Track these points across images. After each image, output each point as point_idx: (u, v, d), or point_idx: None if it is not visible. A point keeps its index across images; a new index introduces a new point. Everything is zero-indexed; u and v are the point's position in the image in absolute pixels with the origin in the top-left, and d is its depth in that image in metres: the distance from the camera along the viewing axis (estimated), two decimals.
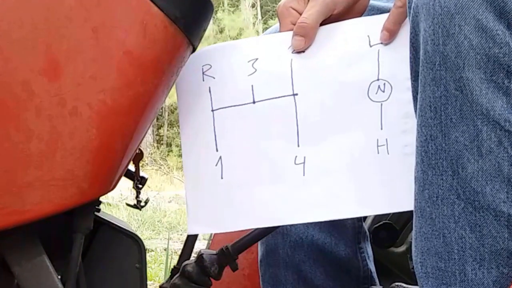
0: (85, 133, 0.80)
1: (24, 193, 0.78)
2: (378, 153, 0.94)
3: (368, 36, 0.95)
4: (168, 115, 17.04)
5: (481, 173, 0.76)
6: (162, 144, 16.24)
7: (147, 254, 2.35)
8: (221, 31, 17.17)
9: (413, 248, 0.83)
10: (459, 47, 0.76)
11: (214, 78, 1.00)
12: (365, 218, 1.39)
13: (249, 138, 0.98)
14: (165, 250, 4.16)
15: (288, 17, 0.99)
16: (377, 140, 0.94)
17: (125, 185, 1.19)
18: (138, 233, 1.04)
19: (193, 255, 1.18)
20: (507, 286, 0.77)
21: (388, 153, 0.94)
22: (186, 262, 1.13)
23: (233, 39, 12.04)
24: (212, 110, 1.00)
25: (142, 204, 1.14)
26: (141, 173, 1.11)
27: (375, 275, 1.28)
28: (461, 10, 0.76)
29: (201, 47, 1.00)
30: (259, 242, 1.22)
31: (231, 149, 0.99)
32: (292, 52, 0.97)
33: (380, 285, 1.28)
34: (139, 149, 0.99)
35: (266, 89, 0.98)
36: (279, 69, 0.98)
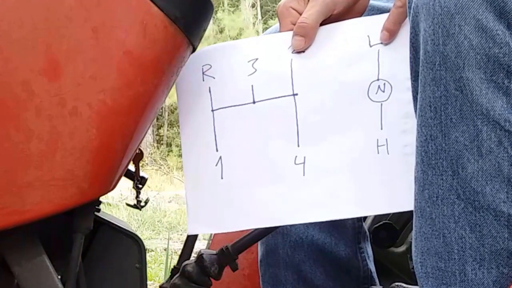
0: (85, 133, 0.80)
1: (24, 193, 0.78)
2: (378, 153, 0.94)
3: (368, 36, 0.95)
4: (168, 115, 17.04)
5: (481, 173, 0.76)
6: (162, 144, 16.23)
7: (147, 254, 2.35)
8: (221, 31, 17.17)
9: (413, 248, 0.83)
10: (459, 47, 0.76)
11: (214, 78, 1.00)
12: (365, 218, 1.39)
13: (249, 138, 0.98)
14: (165, 250, 4.16)
15: (288, 17, 0.98)
16: (377, 140, 0.94)
17: (125, 185, 1.19)
18: (138, 233, 1.04)
19: (193, 255, 1.18)
20: (507, 286, 0.77)
21: (388, 153, 0.94)
22: (186, 262, 1.13)
23: (233, 39, 12.05)
24: (212, 110, 1.00)
25: (142, 204, 1.14)
26: (141, 173, 1.10)
27: (375, 275, 1.28)
28: (461, 10, 0.76)
29: (201, 47, 1.00)
30: (259, 242, 1.22)
31: (231, 149, 0.99)
32: (292, 52, 0.97)
33: (380, 285, 1.28)
34: (139, 149, 0.99)
35: (266, 89, 0.98)
36: (279, 69, 0.98)
